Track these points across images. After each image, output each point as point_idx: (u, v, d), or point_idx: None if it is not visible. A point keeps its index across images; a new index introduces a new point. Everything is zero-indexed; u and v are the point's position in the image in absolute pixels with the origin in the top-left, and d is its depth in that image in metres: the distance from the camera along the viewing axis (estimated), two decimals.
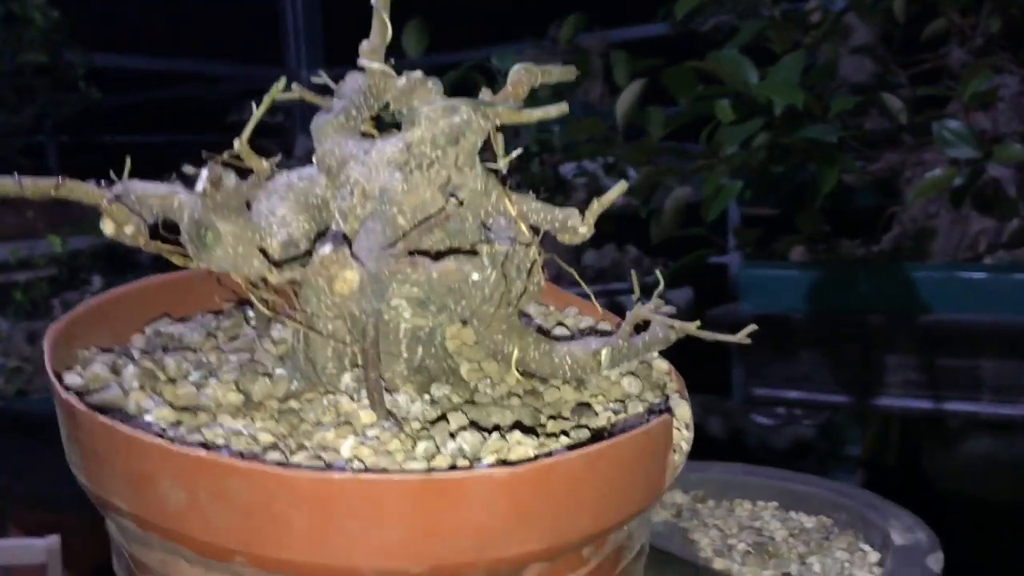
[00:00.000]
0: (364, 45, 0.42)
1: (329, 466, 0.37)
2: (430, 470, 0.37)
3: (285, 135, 2.78)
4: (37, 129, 2.73)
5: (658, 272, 0.48)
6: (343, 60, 0.51)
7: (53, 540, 1.11)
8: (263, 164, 0.41)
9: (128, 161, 0.42)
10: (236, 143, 0.40)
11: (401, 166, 0.42)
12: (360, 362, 0.42)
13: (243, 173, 0.42)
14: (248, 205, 0.43)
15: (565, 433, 0.42)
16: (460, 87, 0.99)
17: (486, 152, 0.45)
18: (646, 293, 0.46)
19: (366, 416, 0.40)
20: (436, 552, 0.35)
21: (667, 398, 0.47)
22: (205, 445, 0.38)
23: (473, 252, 0.42)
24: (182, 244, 0.42)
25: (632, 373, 0.49)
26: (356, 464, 0.37)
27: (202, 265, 0.41)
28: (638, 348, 0.46)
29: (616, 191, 0.43)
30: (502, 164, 0.44)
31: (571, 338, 0.50)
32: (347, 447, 0.38)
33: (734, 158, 1.42)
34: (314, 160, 0.44)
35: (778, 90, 1.31)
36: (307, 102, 0.46)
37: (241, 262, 0.41)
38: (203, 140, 0.41)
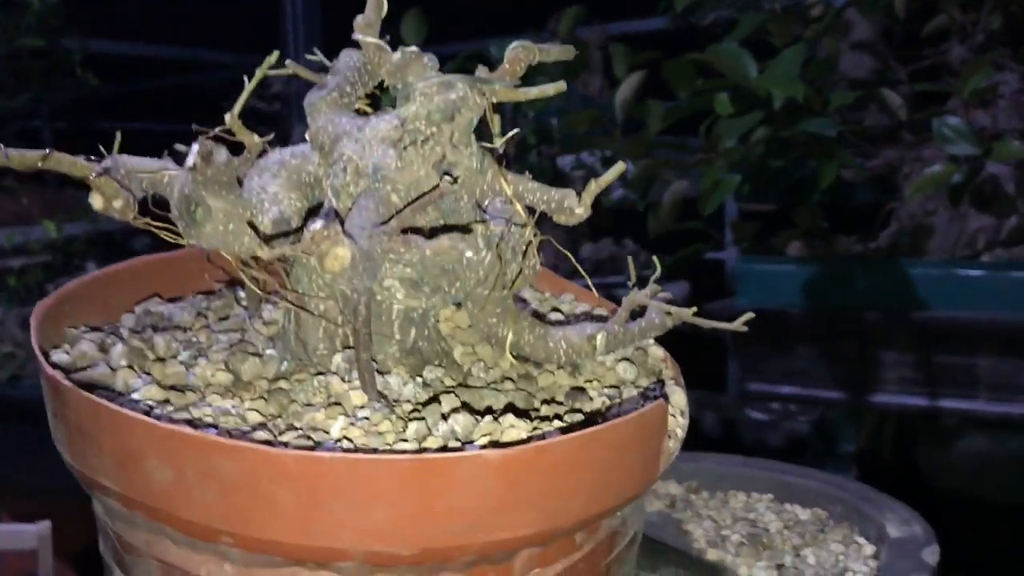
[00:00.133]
0: (359, 19, 0.41)
1: (318, 445, 0.37)
2: (421, 451, 0.37)
3: (282, 123, 2.77)
4: (33, 114, 2.72)
5: (655, 259, 0.47)
6: (342, 45, 0.50)
7: (44, 526, 1.11)
8: (255, 139, 0.40)
9: (119, 136, 0.42)
10: (227, 117, 0.39)
11: (395, 143, 0.41)
12: (351, 343, 0.41)
13: (236, 152, 0.41)
14: (239, 182, 0.42)
15: (559, 417, 0.42)
16: None
17: (482, 132, 0.44)
18: (643, 284, 0.46)
19: (357, 397, 0.40)
20: (426, 534, 0.34)
21: (662, 384, 0.46)
22: (192, 424, 0.38)
23: (468, 231, 0.41)
24: (172, 221, 0.41)
25: (627, 359, 0.48)
26: (346, 444, 0.37)
27: (192, 242, 0.41)
28: (634, 334, 0.45)
29: (614, 172, 0.42)
30: (498, 144, 0.44)
31: (566, 323, 0.50)
32: (337, 427, 0.38)
33: (732, 152, 1.41)
34: (307, 137, 0.43)
35: (778, 83, 1.30)
36: (305, 89, 0.45)
37: (231, 239, 0.40)
38: (200, 129, 0.40)
